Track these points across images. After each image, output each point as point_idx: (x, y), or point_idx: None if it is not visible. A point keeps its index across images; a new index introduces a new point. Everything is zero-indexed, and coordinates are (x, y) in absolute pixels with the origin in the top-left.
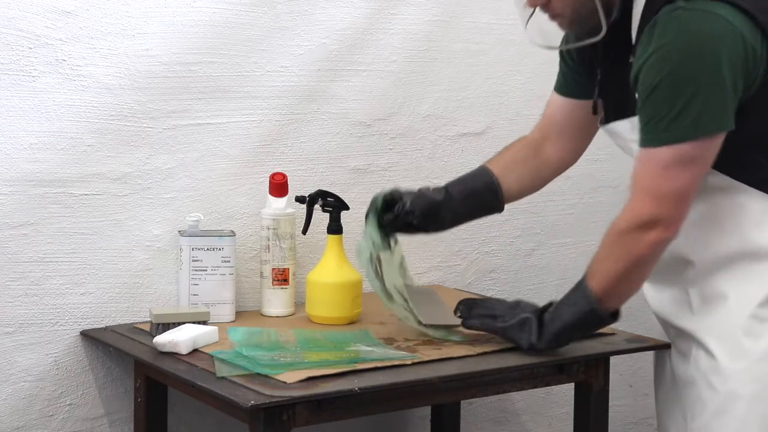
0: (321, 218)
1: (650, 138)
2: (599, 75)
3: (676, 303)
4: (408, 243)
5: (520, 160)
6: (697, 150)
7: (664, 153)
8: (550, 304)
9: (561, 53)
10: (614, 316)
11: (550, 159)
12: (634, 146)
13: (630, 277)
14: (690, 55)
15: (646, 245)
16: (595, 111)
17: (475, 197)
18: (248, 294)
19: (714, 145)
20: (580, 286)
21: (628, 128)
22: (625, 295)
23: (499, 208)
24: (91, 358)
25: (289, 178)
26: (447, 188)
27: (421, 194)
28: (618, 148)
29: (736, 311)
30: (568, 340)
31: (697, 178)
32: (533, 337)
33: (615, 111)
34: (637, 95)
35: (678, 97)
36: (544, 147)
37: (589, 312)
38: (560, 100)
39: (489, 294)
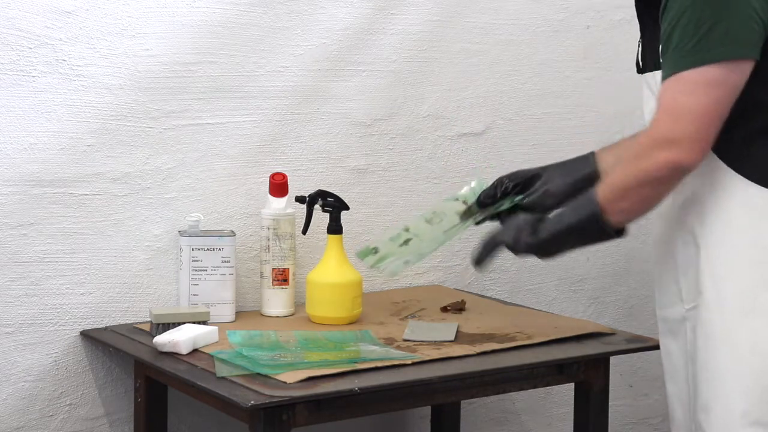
0: (321, 218)
1: (675, 62)
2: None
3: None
4: None
5: None
6: (722, 73)
7: (689, 75)
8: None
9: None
10: (619, 232)
11: None
12: None
13: (637, 192)
14: None
15: (658, 163)
16: (641, 69)
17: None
18: (248, 294)
19: (739, 71)
20: (588, 192)
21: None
22: (631, 212)
23: None
24: (91, 358)
25: (289, 178)
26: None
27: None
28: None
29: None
30: (564, 244)
31: (721, 103)
32: (524, 233)
33: (654, 61)
34: (663, 27)
35: (704, 21)
36: None
37: (591, 216)
38: None
39: (489, 294)
